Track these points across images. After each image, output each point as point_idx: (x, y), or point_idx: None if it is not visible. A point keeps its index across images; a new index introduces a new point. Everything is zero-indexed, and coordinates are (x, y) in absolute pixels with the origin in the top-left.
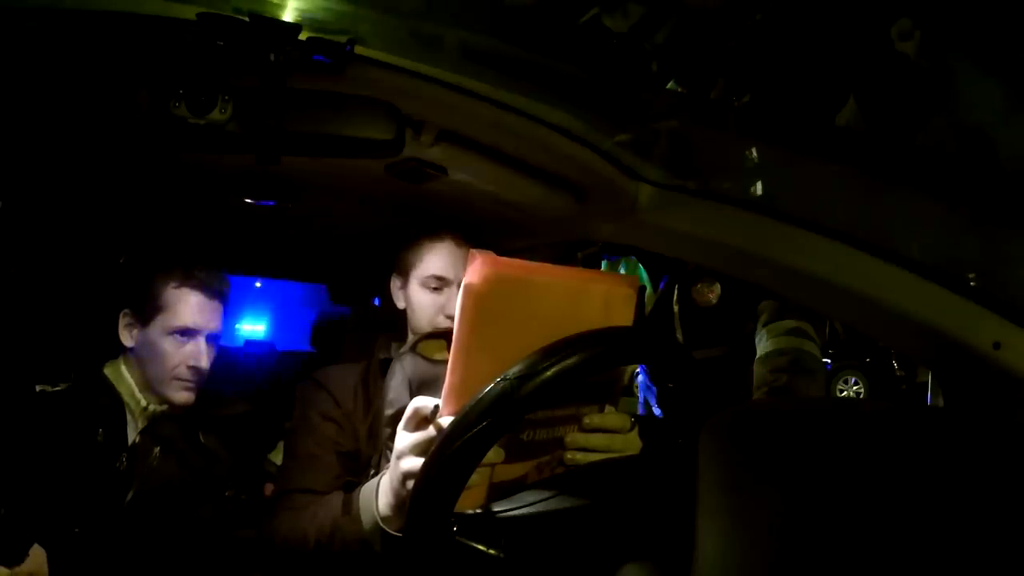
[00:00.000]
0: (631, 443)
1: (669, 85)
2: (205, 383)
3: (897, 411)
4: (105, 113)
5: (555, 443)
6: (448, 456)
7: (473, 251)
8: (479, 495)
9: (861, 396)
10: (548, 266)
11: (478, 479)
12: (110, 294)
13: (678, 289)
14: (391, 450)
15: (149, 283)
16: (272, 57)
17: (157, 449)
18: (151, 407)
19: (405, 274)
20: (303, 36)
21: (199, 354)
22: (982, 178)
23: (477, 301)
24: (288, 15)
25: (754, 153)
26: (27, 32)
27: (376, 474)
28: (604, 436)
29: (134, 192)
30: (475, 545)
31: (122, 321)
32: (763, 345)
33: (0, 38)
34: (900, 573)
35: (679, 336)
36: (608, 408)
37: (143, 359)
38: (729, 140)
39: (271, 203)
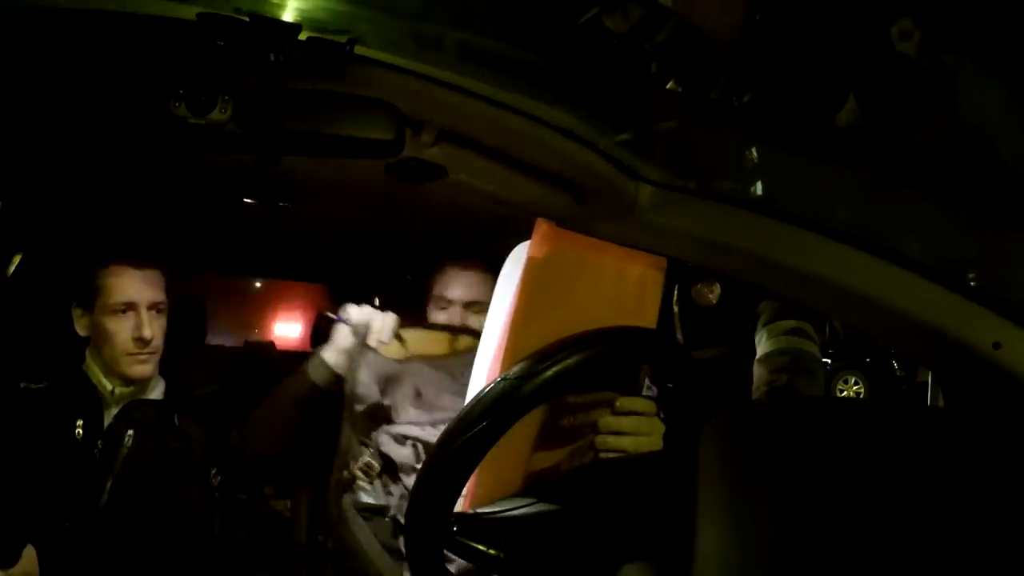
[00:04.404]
0: (657, 426)
1: (669, 85)
2: (165, 356)
3: (897, 411)
4: (105, 113)
5: (589, 428)
6: (448, 456)
7: (539, 220)
8: (516, 482)
9: (861, 396)
10: (595, 241)
11: (517, 465)
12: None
13: (678, 289)
14: (364, 444)
15: (86, 271)
16: (272, 57)
17: (131, 432)
18: (117, 390)
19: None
20: (303, 36)
21: (142, 324)
22: (982, 178)
23: (538, 271)
24: (288, 15)
25: (754, 153)
26: (27, 32)
27: (346, 464)
28: (634, 419)
29: (133, 192)
30: (475, 545)
31: (74, 314)
32: (763, 345)
33: (0, 38)
34: (900, 573)
35: (679, 336)
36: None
37: (98, 344)
38: (729, 140)
39: (271, 203)
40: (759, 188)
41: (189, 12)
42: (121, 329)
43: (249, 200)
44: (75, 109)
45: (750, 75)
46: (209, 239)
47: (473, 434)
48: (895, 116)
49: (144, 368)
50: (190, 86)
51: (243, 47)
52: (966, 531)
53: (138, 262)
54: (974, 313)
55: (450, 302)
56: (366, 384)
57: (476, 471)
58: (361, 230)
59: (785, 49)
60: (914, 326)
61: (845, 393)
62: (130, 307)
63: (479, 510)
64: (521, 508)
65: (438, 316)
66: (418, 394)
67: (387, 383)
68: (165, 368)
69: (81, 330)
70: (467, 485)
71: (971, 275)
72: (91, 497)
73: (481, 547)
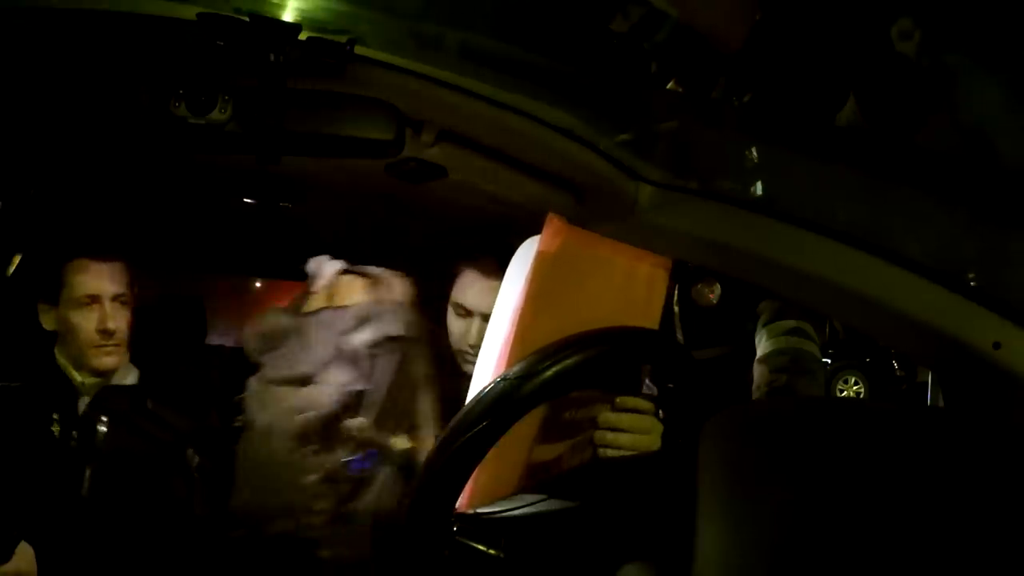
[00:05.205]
0: (656, 426)
1: (669, 85)
2: (132, 346)
3: (897, 411)
4: (105, 113)
5: (589, 423)
6: (448, 456)
7: (551, 215)
8: (516, 474)
9: (861, 396)
10: (604, 239)
11: (516, 462)
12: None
13: (678, 289)
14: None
15: (49, 266)
16: (272, 57)
17: (105, 419)
18: (87, 381)
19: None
20: (303, 36)
21: (106, 317)
22: (982, 178)
23: (548, 266)
24: (288, 15)
25: (754, 153)
26: (27, 32)
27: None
28: (634, 416)
29: (132, 190)
30: (475, 545)
31: (40, 309)
32: (763, 345)
33: (0, 38)
34: (900, 573)
35: (679, 336)
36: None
37: (65, 337)
38: (729, 140)
39: (271, 203)
40: (759, 188)
41: (189, 12)
42: (86, 322)
43: (249, 200)
44: (76, 109)
45: (750, 75)
46: (209, 239)
47: (473, 434)
48: (895, 116)
49: (110, 359)
50: (190, 86)
51: (243, 47)
52: (966, 531)
53: (100, 255)
54: (974, 313)
55: (469, 312)
56: (245, 335)
57: (475, 470)
58: (361, 230)
59: (785, 49)
60: (914, 326)
61: (845, 393)
62: (94, 299)
63: (479, 510)
64: (521, 508)
65: (455, 324)
66: (300, 348)
67: (271, 340)
68: (140, 358)
69: (47, 325)
70: (467, 484)
71: (971, 275)
72: (73, 487)
73: (481, 547)
